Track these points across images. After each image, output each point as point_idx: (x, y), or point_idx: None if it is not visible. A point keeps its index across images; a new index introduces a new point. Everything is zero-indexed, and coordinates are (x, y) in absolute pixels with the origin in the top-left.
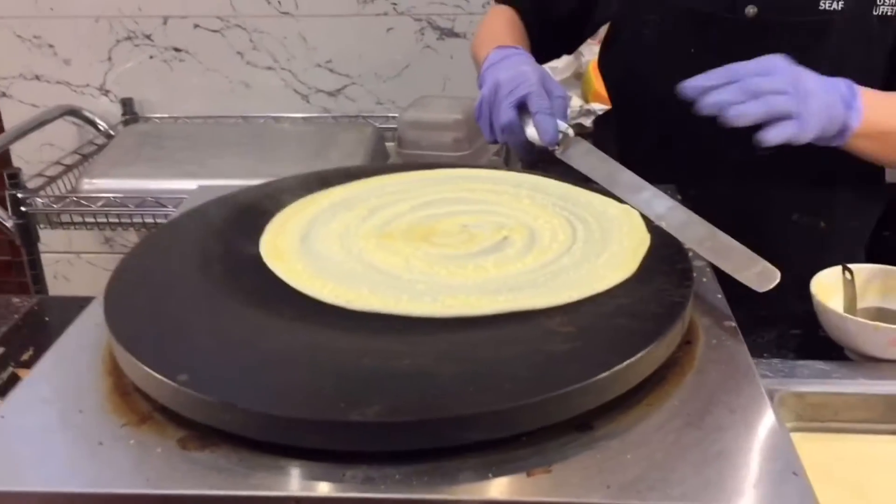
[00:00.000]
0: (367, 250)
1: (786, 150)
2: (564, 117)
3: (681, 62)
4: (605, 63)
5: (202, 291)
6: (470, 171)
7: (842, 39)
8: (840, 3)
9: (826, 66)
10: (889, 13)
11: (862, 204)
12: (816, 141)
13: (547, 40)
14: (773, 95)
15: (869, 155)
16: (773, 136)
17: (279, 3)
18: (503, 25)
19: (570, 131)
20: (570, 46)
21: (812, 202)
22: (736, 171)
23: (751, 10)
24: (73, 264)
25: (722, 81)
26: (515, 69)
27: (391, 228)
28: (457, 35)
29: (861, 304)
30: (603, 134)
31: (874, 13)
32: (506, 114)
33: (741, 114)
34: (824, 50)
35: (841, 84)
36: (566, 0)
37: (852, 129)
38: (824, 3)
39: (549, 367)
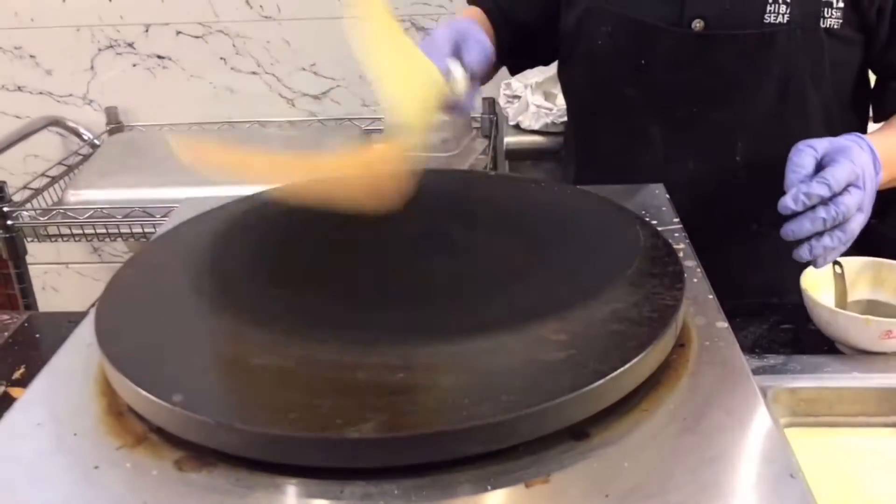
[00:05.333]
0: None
1: (741, 164)
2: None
3: (632, 73)
4: (563, 76)
5: (194, 308)
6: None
7: (789, 51)
8: (786, 16)
9: (773, 77)
10: (835, 26)
11: None
12: None
13: (518, 49)
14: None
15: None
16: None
17: (261, 7)
18: (468, 16)
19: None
20: (544, 58)
21: (771, 214)
22: (690, 183)
23: (697, 24)
24: (62, 275)
25: (813, 200)
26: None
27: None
28: None
29: (851, 297)
30: (566, 143)
31: (822, 26)
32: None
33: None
34: (771, 62)
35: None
36: (528, 9)
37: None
38: (769, 17)
39: (544, 377)
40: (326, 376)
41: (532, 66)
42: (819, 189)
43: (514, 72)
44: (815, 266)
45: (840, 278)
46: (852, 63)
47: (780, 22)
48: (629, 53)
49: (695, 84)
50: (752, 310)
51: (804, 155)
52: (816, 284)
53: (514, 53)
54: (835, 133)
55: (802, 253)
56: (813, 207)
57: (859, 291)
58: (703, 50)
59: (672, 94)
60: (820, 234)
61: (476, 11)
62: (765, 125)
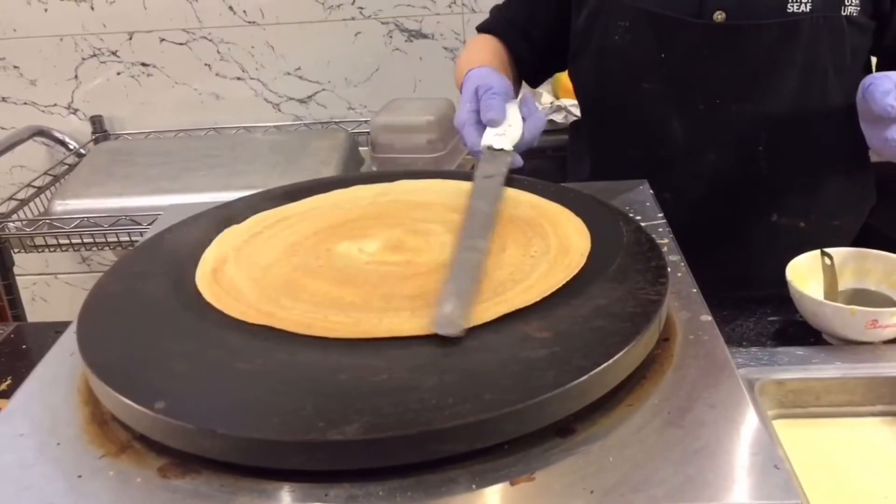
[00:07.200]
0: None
1: (763, 154)
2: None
3: (652, 67)
4: (575, 73)
5: (175, 315)
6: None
7: (811, 40)
8: (808, 4)
9: (797, 66)
10: (854, 13)
11: (845, 205)
12: None
13: (538, 61)
14: None
15: None
16: None
17: (245, 12)
18: (485, 50)
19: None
20: (563, 66)
21: (791, 204)
22: (711, 175)
23: (719, 15)
24: (51, 285)
25: None
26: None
27: (347, 276)
28: (425, 36)
29: (838, 287)
30: (577, 141)
31: (842, 13)
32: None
33: None
34: (794, 51)
35: None
36: (543, 20)
37: None
38: (792, 6)
39: (528, 374)
40: (308, 379)
41: (551, 76)
42: None
43: (535, 84)
44: None
45: (830, 269)
46: (866, 51)
47: (802, 11)
48: (649, 48)
49: (717, 76)
50: (740, 303)
51: (884, 77)
52: (802, 276)
53: (533, 66)
54: (857, 122)
55: None
56: None
57: (845, 281)
58: (725, 41)
59: (693, 87)
60: None
61: (488, 38)
62: (788, 115)
